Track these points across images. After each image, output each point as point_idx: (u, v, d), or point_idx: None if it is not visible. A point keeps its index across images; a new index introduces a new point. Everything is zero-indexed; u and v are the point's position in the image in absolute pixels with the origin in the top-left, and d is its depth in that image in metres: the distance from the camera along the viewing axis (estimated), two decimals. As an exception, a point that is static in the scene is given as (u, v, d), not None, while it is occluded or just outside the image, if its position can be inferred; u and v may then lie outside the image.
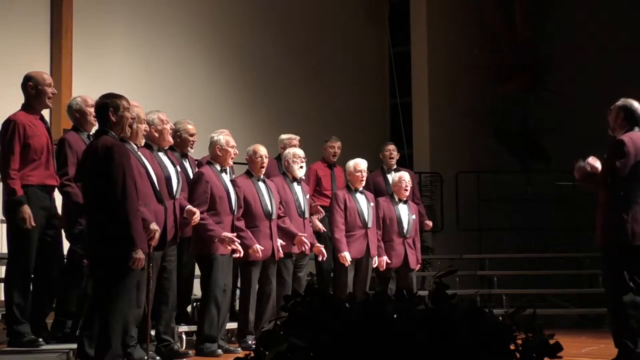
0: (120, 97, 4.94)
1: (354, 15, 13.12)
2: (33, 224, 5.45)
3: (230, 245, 6.28)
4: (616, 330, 5.37)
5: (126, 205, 4.64)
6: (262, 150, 6.97)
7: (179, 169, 6.12)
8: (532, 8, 13.24)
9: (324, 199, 8.18)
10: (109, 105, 4.87)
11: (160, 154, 5.96)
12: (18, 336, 5.50)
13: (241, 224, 6.64)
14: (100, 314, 4.69)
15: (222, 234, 6.25)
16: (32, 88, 5.70)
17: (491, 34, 13.08)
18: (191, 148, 6.82)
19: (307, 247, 7.09)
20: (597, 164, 5.55)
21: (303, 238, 7.01)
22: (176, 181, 5.92)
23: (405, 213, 7.96)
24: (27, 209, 5.43)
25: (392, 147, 8.77)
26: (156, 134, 5.95)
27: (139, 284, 5.28)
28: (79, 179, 5.22)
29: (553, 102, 12.76)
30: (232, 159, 6.67)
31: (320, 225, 7.81)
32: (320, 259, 7.49)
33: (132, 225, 4.64)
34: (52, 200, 5.70)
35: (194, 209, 6.08)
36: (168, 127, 6.03)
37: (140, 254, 4.67)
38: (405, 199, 7.99)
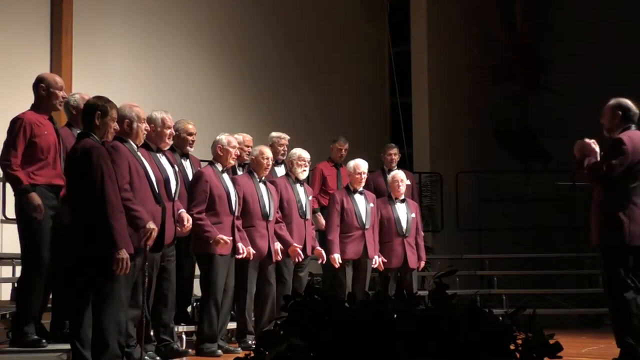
0: (112, 103, 4.93)
1: (354, 15, 13.12)
2: (42, 209, 5.42)
3: (223, 247, 6.26)
4: (618, 329, 5.36)
5: (106, 206, 4.65)
6: (268, 152, 6.99)
7: (177, 168, 6.09)
8: (532, 8, 13.25)
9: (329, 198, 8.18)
10: (97, 107, 4.87)
11: (159, 155, 5.92)
12: (21, 336, 5.49)
13: (239, 223, 6.64)
14: (93, 316, 4.69)
15: (218, 236, 6.24)
16: (43, 90, 5.69)
17: (491, 34, 13.08)
18: (190, 147, 6.80)
19: (301, 258, 7.09)
20: (596, 148, 5.46)
21: (298, 249, 7.01)
22: (174, 183, 5.89)
23: (404, 212, 7.95)
24: (35, 197, 5.42)
25: (394, 150, 8.77)
26: (153, 134, 5.92)
27: (136, 284, 5.28)
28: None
29: (553, 102, 12.76)
30: (233, 159, 6.66)
31: (324, 222, 7.82)
32: (320, 262, 7.50)
33: (112, 227, 4.65)
34: (59, 200, 5.69)
35: (185, 216, 6.05)
36: (168, 132, 5.98)
37: (123, 254, 4.67)
38: (402, 197, 7.99)
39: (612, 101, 5.53)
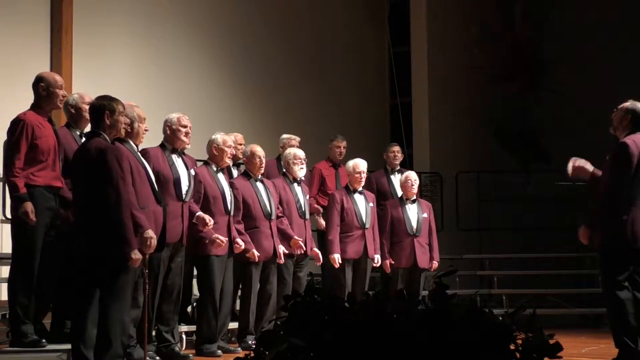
0: (117, 100, 4.97)
1: (354, 15, 13.12)
2: (34, 218, 5.43)
3: (219, 247, 6.27)
4: (616, 329, 5.37)
5: (121, 206, 4.67)
6: (260, 151, 6.97)
7: (192, 172, 6.12)
8: (532, 8, 13.23)
9: (328, 198, 8.17)
10: (105, 107, 4.89)
11: (174, 156, 6.03)
12: (21, 336, 5.48)
13: (240, 227, 6.63)
14: (99, 315, 4.70)
15: (213, 236, 6.24)
16: (43, 89, 5.66)
17: (491, 34, 13.06)
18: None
19: (302, 250, 7.09)
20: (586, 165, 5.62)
21: (300, 242, 7.01)
22: (187, 184, 5.98)
23: (415, 212, 7.96)
24: (29, 205, 5.41)
25: (397, 148, 8.77)
26: (169, 134, 6.04)
27: (137, 284, 5.29)
28: (70, 178, 5.24)
29: (553, 102, 12.75)
30: (229, 158, 6.66)
31: (323, 223, 7.82)
32: (317, 263, 7.50)
33: (126, 226, 4.68)
34: (57, 202, 5.69)
35: (205, 217, 6.07)
36: (184, 130, 6.06)
37: (137, 254, 4.71)
38: (414, 197, 7.99)
39: (628, 103, 5.57)
